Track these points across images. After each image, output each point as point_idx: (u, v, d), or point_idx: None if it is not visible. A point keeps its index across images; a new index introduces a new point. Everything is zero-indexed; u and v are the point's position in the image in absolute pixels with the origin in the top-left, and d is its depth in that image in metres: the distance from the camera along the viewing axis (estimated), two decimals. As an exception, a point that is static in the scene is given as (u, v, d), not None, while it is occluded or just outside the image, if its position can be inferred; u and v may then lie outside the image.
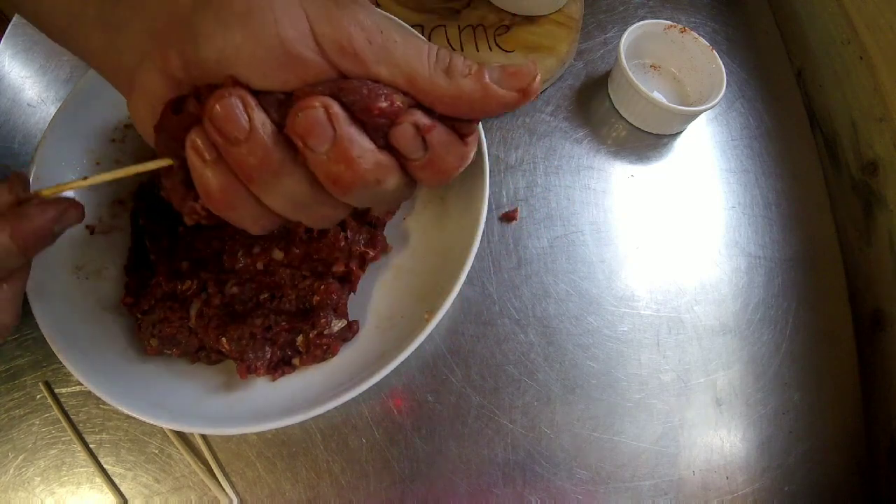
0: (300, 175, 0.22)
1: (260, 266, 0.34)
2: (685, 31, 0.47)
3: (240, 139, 0.21)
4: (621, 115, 0.49)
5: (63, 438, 0.36)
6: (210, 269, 0.34)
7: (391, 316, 0.36)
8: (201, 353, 0.33)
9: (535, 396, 0.38)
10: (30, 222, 0.23)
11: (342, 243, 0.35)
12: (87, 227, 0.36)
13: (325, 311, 0.33)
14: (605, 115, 0.49)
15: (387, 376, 0.30)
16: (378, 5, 0.47)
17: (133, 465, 0.35)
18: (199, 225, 0.35)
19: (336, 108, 0.21)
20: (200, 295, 0.33)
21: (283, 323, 0.33)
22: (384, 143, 0.22)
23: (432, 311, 0.32)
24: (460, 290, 0.33)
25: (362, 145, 0.21)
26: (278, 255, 0.35)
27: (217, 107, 0.20)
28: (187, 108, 0.21)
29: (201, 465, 0.35)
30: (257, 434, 0.36)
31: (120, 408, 0.29)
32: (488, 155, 0.36)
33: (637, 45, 0.48)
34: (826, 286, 0.44)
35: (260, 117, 0.21)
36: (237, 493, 0.35)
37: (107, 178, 0.24)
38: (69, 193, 0.26)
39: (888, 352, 0.41)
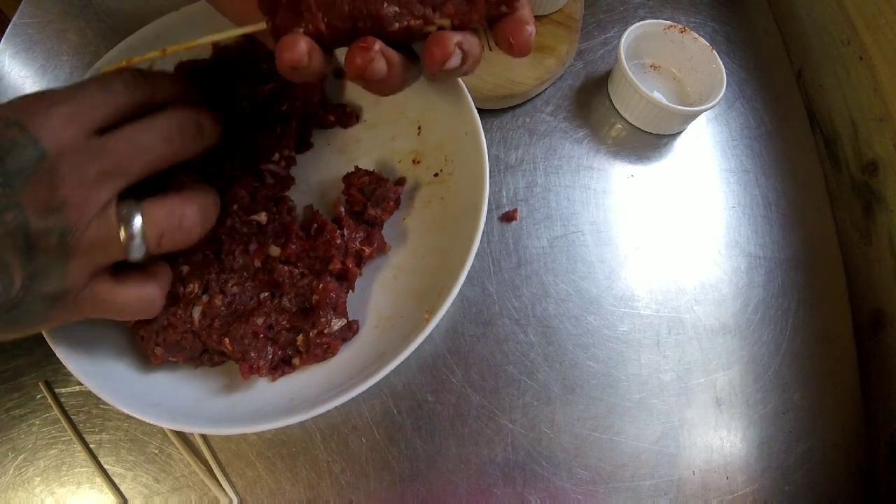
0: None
1: (258, 263, 0.34)
2: (685, 31, 0.47)
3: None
4: (621, 115, 0.49)
5: (63, 438, 0.36)
6: (210, 270, 0.34)
7: (391, 316, 0.36)
8: (204, 356, 0.33)
9: (535, 396, 0.38)
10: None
11: (339, 241, 0.35)
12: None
13: (325, 311, 0.33)
14: (605, 115, 0.49)
15: (387, 376, 0.30)
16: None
17: (133, 465, 0.35)
18: None
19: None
20: (202, 297, 0.33)
21: (284, 322, 0.33)
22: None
23: (432, 311, 0.32)
24: (460, 290, 0.33)
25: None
26: (275, 251, 0.35)
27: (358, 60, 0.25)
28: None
29: (201, 465, 0.35)
30: (257, 434, 0.36)
31: (120, 408, 0.29)
32: (488, 155, 0.36)
33: (637, 45, 0.48)
34: (826, 286, 0.44)
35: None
36: (237, 493, 0.35)
37: (194, 44, 0.27)
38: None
39: (888, 352, 0.41)
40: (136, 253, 0.27)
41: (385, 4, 0.25)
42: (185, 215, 0.28)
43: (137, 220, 0.26)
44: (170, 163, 0.28)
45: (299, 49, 0.24)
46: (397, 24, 0.25)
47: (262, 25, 0.26)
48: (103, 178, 0.25)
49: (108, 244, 0.25)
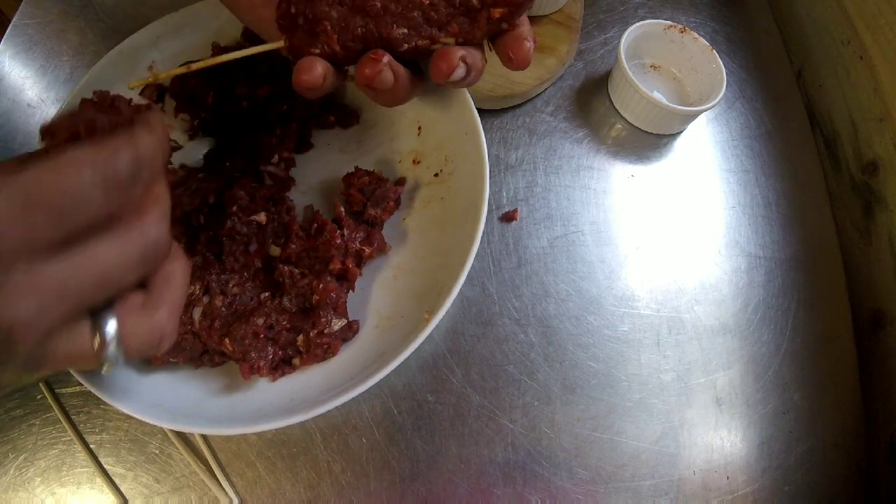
0: None
1: (258, 263, 0.34)
2: (685, 31, 0.47)
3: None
4: (621, 115, 0.49)
5: (63, 438, 0.36)
6: (210, 270, 0.34)
7: (391, 316, 0.36)
8: (204, 356, 0.33)
9: (535, 396, 0.38)
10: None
11: (338, 241, 0.35)
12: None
13: (325, 310, 0.33)
14: (605, 115, 0.49)
15: (387, 376, 0.30)
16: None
17: (133, 465, 0.35)
18: (197, 229, 0.35)
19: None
20: (203, 298, 0.33)
21: (284, 322, 0.33)
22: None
23: (432, 311, 0.32)
24: (460, 290, 0.33)
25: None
26: (275, 251, 0.35)
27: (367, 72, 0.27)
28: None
29: (201, 465, 0.35)
30: (257, 434, 0.36)
31: (120, 408, 0.29)
32: (488, 155, 0.36)
33: (637, 45, 0.48)
34: (826, 286, 0.44)
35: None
36: (237, 493, 0.35)
37: (220, 60, 0.29)
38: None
39: (888, 352, 0.41)
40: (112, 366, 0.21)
41: (395, 27, 0.26)
42: (165, 335, 0.22)
43: (112, 346, 0.21)
44: (133, 285, 0.21)
45: (316, 73, 0.26)
46: (406, 45, 0.27)
47: (280, 43, 0.28)
48: (47, 310, 0.18)
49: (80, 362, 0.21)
